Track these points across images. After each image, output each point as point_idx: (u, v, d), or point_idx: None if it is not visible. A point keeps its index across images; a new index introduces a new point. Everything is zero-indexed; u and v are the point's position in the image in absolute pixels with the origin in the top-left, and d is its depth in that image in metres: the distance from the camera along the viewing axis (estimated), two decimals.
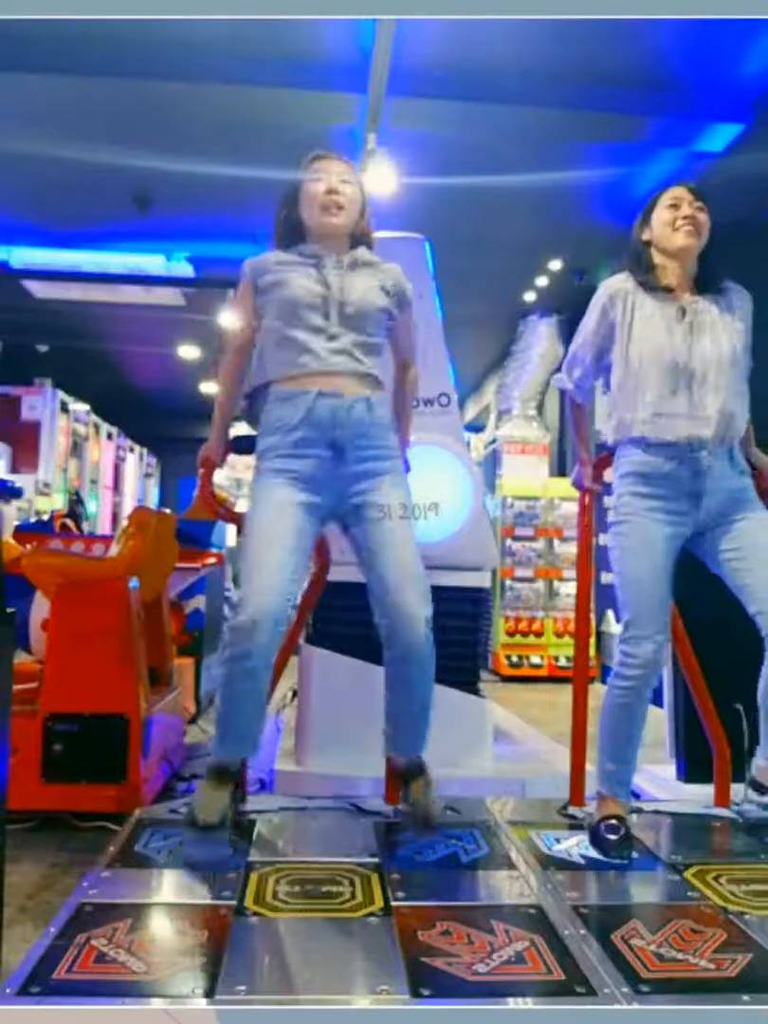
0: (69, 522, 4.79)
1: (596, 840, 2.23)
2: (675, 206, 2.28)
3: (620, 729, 2.29)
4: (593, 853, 2.21)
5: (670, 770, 3.05)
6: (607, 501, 8.25)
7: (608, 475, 2.72)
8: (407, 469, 2.45)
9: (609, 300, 2.33)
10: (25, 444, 10.70)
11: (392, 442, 2.28)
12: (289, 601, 2.10)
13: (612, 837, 2.20)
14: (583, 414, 2.59)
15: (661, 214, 2.30)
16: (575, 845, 2.27)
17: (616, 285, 2.34)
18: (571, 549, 7.31)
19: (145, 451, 16.17)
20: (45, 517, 5.55)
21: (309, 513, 2.16)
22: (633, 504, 2.24)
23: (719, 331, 2.24)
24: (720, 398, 2.19)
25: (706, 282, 2.31)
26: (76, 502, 10.20)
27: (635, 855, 2.19)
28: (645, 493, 2.22)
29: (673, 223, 2.27)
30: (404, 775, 2.30)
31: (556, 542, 7.63)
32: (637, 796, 2.95)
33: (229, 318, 8.82)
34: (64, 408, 11.28)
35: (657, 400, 2.21)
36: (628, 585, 2.25)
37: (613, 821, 2.23)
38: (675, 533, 2.23)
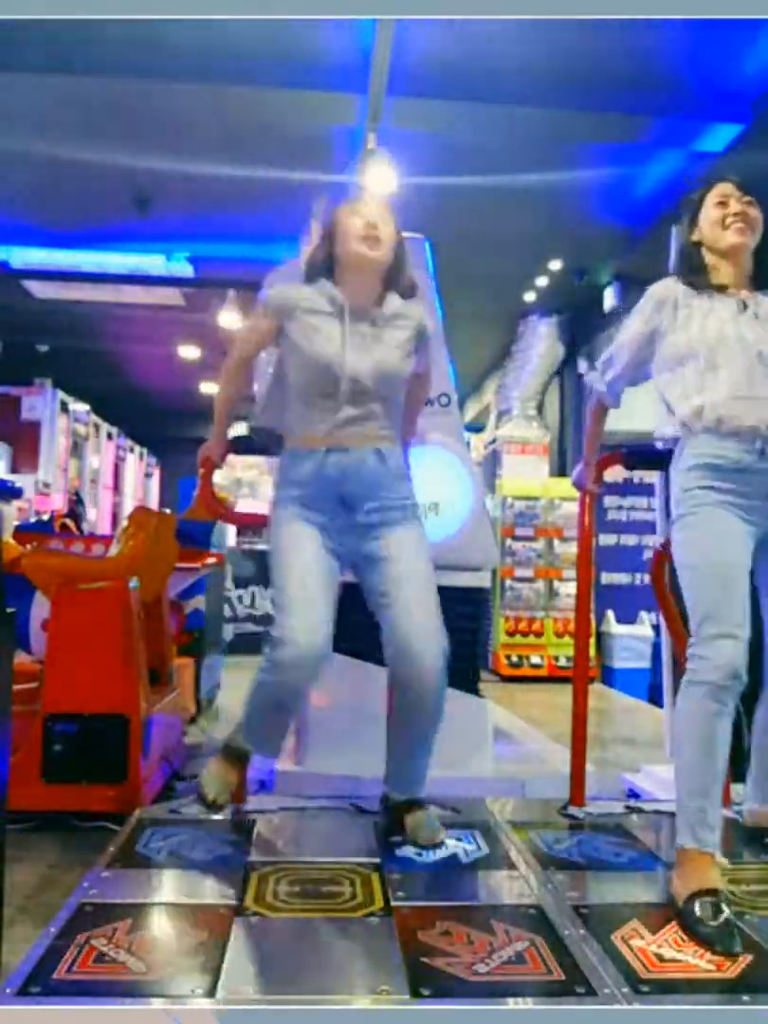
0: (69, 522, 4.78)
1: (689, 924, 1.75)
2: (723, 204, 2.17)
3: (701, 752, 1.92)
4: (594, 853, 2.20)
5: (670, 770, 3.05)
6: (607, 501, 8.20)
7: (608, 475, 2.71)
8: (407, 467, 2.45)
9: (657, 305, 2.19)
10: (25, 444, 10.70)
11: (406, 492, 2.26)
12: (330, 628, 2.09)
13: (712, 925, 1.72)
14: (602, 416, 2.46)
15: (709, 213, 2.19)
16: (575, 844, 2.26)
17: (663, 290, 2.20)
18: (571, 549, 7.31)
19: (145, 451, 16.16)
20: (45, 517, 5.54)
21: (330, 549, 2.17)
22: (704, 496, 2.03)
23: None
24: None
25: (763, 279, 2.20)
26: (76, 502, 10.21)
27: (635, 853, 2.16)
28: (717, 486, 2.02)
29: (723, 221, 2.16)
30: (400, 810, 2.28)
31: (556, 542, 7.63)
32: (637, 796, 2.96)
33: (229, 319, 8.83)
34: (64, 408, 11.28)
35: (732, 384, 2.04)
36: (701, 579, 1.99)
37: (709, 898, 1.77)
38: (750, 531, 2.02)
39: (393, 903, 1.86)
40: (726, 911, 1.74)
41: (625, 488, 7.64)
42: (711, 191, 2.22)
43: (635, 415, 2.57)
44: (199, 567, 4.20)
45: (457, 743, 2.96)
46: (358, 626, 2.60)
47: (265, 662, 2.12)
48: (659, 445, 2.27)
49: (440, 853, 2.17)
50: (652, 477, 2.29)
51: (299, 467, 2.20)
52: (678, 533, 2.08)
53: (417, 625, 2.13)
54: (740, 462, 2.02)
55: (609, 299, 8.45)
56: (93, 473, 12.48)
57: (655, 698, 6.08)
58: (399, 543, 2.19)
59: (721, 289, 2.16)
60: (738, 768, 2.61)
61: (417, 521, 2.27)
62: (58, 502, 10.32)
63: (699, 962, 1.64)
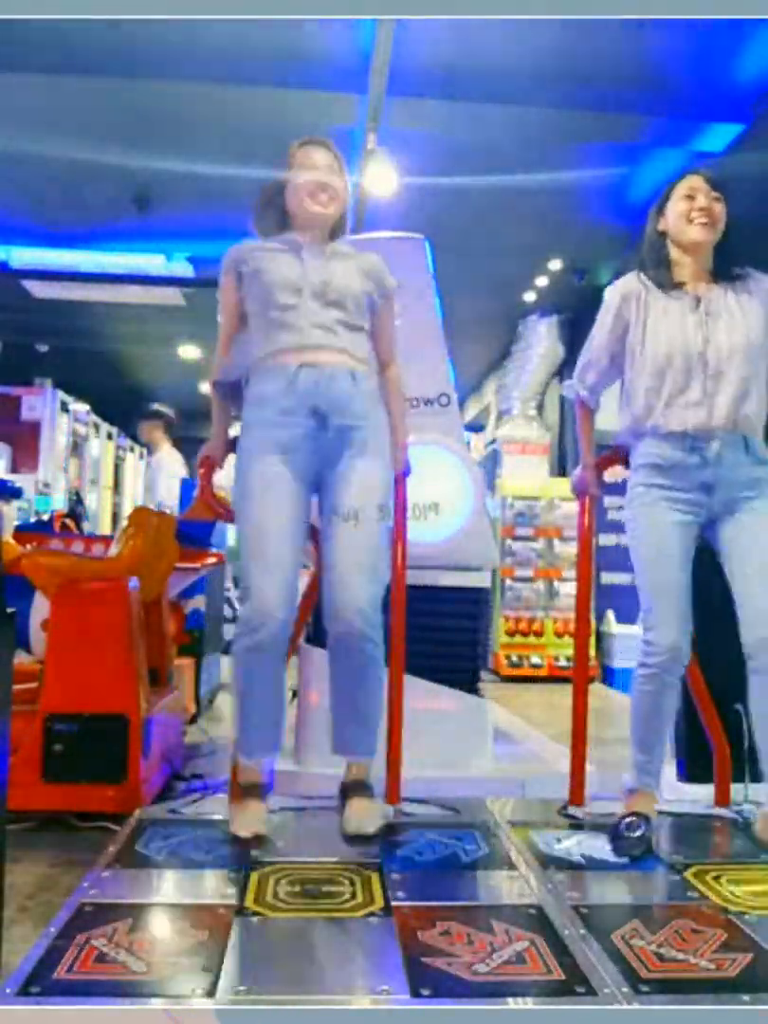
0: (69, 522, 4.78)
1: (613, 836, 2.21)
2: (690, 197, 2.22)
3: (647, 721, 2.32)
4: (594, 852, 2.20)
5: (670, 770, 3.05)
6: (607, 501, 8.22)
7: (609, 475, 2.72)
8: (408, 471, 2.45)
9: (622, 301, 2.29)
10: (25, 444, 10.69)
11: (379, 417, 2.27)
12: (295, 588, 2.14)
13: (628, 835, 2.18)
14: (591, 419, 2.55)
15: (676, 205, 2.24)
16: (575, 844, 2.27)
17: (626, 286, 2.30)
18: (571, 549, 7.31)
19: (145, 451, 16.15)
20: (45, 517, 5.54)
21: (298, 482, 2.17)
22: (644, 495, 2.25)
23: (736, 320, 2.20)
24: (733, 387, 2.17)
25: (722, 272, 2.26)
26: (76, 502, 10.19)
27: (637, 855, 2.18)
28: (656, 483, 2.23)
29: (688, 215, 2.21)
30: (344, 788, 2.31)
31: (556, 542, 7.63)
32: None
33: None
34: (64, 408, 11.26)
35: (669, 391, 2.19)
36: (642, 573, 2.26)
37: (632, 818, 2.22)
38: (686, 521, 2.22)
39: (393, 903, 1.86)
40: (643, 828, 2.18)
41: (625, 488, 7.63)
42: (681, 183, 2.26)
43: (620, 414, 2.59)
44: (199, 567, 4.20)
45: (457, 743, 2.96)
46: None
47: (236, 632, 2.16)
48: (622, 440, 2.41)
49: (440, 853, 2.17)
50: None
51: (269, 383, 2.19)
52: (628, 530, 2.32)
53: (352, 563, 2.14)
54: (672, 460, 2.21)
55: None
56: (93, 473, 12.47)
57: None
58: (359, 474, 2.19)
59: (679, 286, 2.24)
60: (738, 768, 2.62)
61: (384, 449, 2.27)
62: (58, 502, 10.31)
63: (699, 962, 1.64)
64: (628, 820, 2.22)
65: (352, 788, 2.30)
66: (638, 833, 2.19)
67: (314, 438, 2.16)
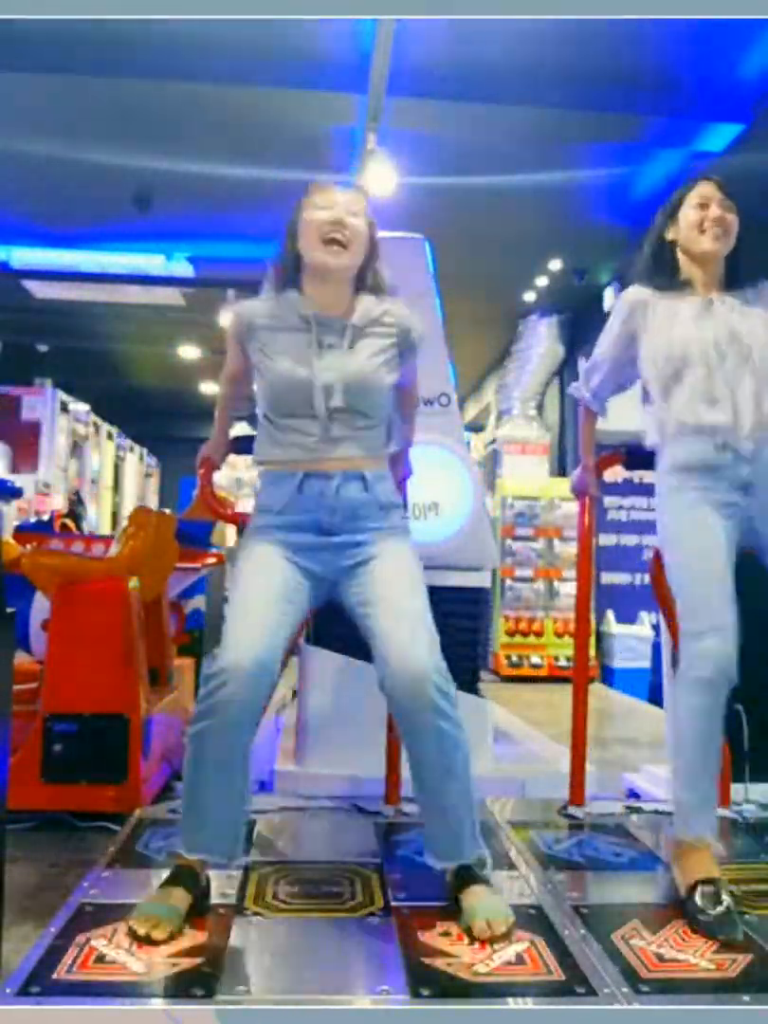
0: (69, 522, 4.78)
1: (691, 914, 1.79)
2: (703, 206, 2.15)
3: (704, 745, 1.95)
4: (594, 853, 2.19)
5: (670, 770, 3.05)
6: (607, 501, 8.19)
7: (609, 476, 2.72)
8: (409, 474, 2.43)
9: (629, 310, 2.22)
10: (25, 444, 10.69)
11: (394, 520, 2.03)
12: (274, 653, 1.81)
13: (712, 913, 1.76)
14: (594, 423, 2.49)
15: (688, 214, 2.17)
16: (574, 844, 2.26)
17: (635, 296, 2.23)
18: (571, 549, 7.31)
19: (145, 451, 16.16)
20: (45, 517, 5.55)
21: (303, 573, 1.94)
22: (680, 496, 2.09)
23: (753, 321, 2.13)
24: (757, 382, 2.08)
25: (732, 281, 2.20)
26: (76, 502, 10.19)
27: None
28: (692, 485, 2.07)
29: (700, 225, 2.14)
30: (452, 884, 1.87)
31: (556, 542, 7.63)
32: (637, 796, 2.96)
33: (229, 317, 8.82)
34: (64, 408, 11.26)
35: (693, 387, 2.09)
36: (688, 577, 2.03)
37: (708, 887, 1.81)
38: (727, 524, 2.05)
39: (393, 903, 1.86)
40: (726, 899, 1.79)
41: (625, 488, 7.63)
42: (693, 190, 2.19)
43: (634, 416, 2.57)
44: (199, 567, 4.20)
45: None
46: (357, 626, 2.60)
47: (198, 693, 1.82)
48: (633, 444, 2.32)
49: None
50: (652, 477, 2.27)
51: (274, 491, 1.99)
52: (662, 532, 2.15)
53: (401, 634, 1.83)
54: (707, 460, 2.08)
55: (609, 299, 8.45)
56: (94, 473, 12.47)
57: (655, 698, 6.08)
58: (384, 551, 1.95)
59: (689, 292, 2.17)
60: (738, 768, 2.62)
61: (404, 544, 2.02)
62: (58, 502, 10.31)
63: (699, 962, 1.64)
64: (703, 890, 1.81)
65: (464, 875, 1.86)
66: (722, 906, 1.77)
67: (322, 546, 1.96)
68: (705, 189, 2.18)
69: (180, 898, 1.76)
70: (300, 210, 2.01)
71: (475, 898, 1.79)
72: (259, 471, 2.08)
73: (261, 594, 1.88)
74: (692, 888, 1.84)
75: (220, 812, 1.81)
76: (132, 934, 1.66)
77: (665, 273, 2.21)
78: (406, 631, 1.84)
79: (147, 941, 1.64)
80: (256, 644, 1.79)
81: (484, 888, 1.82)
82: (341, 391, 1.94)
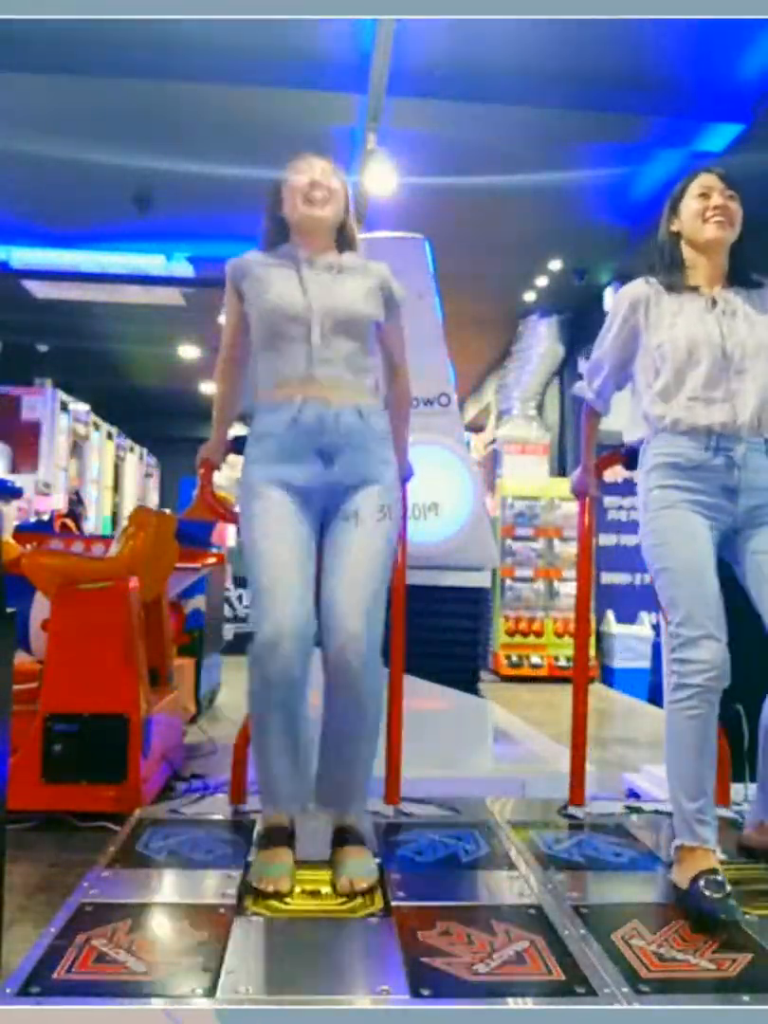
0: (69, 522, 4.78)
1: (693, 901, 1.83)
2: (705, 195, 2.13)
3: (698, 753, 1.95)
4: (594, 853, 2.19)
5: None
6: (607, 501, 8.19)
7: (609, 476, 2.72)
8: (410, 475, 2.43)
9: (630, 306, 2.20)
10: (25, 444, 10.69)
11: (387, 454, 2.17)
12: (310, 612, 1.96)
13: (715, 896, 1.79)
14: (596, 423, 2.47)
15: (690, 204, 2.15)
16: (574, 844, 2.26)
17: (636, 291, 2.21)
18: (571, 549, 7.31)
19: (145, 451, 16.16)
20: (45, 517, 5.55)
21: (303, 519, 2.06)
22: (666, 496, 2.07)
23: (754, 320, 2.11)
24: (758, 385, 2.07)
25: (738, 276, 2.18)
26: (76, 502, 10.20)
27: (635, 853, 2.17)
28: (679, 485, 2.06)
29: (703, 214, 2.12)
30: (333, 840, 2.06)
31: (556, 542, 7.63)
32: (637, 796, 2.96)
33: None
34: (64, 408, 11.27)
35: (692, 386, 2.07)
36: (673, 582, 2.02)
37: (710, 875, 1.83)
38: (712, 526, 2.05)
39: (393, 903, 1.86)
40: (728, 887, 1.81)
41: (625, 488, 7.63)
42: (694, 181, 2.18)
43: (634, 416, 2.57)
44: (199, 567, 4.20)
45: (457, 743, 2.96)
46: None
47: (249, 665, 1.97)
48: (634, 444, 2.28)
49: (440, 853, 2.18)
50: None
51: (272, 417, 2.09)
52: (647, 535, 2.11)
53: (347, 582, 1.99)
54: (695, 460, 2.06)
55: (609, 299, 8.45)
56: (94, 473, 12.47)
57: (655, 698, 6.08)
58: (363, 500, 2.07)
59: (693, 289, 2.16)
60: (738, 768, 2.62)
61: (395, 485, 2.17)
62: (58, 502, 10.31)
63: (699, 962, 1.64)
64: (707, 879, 1.83)
65: (341, 835, 2.07)
66: (725, 890, 1.81)
67: (321, 478, 2.07)
68: (706, 179, 2.17)
69: (286, 854, 1.99)
70: (282, 180, 2.23)
71: (346, 855, 1.99)
72: (255, 406, 2.17)
73: (285, 557, 1.99)
74: (694, 879, 1.85)
75: (290, 769, 2.02)
76: (258, 893, 1.87)
77: (668, 269, 2.20)
78: (350, 601, 1.98)
79: (276, 896, 1.87)
80: (293, 612, 1.93)
81: (357, 848, 2.02)
82: (333, 312, 2.09)
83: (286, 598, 1.94)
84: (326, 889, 1.93)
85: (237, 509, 2.22)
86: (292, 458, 2.06)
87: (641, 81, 5.33)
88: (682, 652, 1.97)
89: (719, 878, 1.83)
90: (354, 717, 2.03)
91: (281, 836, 2.04)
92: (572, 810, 2.54)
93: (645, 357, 2.19)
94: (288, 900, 1.88)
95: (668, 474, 2.08)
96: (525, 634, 7.43)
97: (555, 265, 8.27)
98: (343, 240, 2.24)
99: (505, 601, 7.49)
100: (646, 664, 7.04)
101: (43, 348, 11.81)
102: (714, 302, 2.13)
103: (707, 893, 1.80)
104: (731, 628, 2.04)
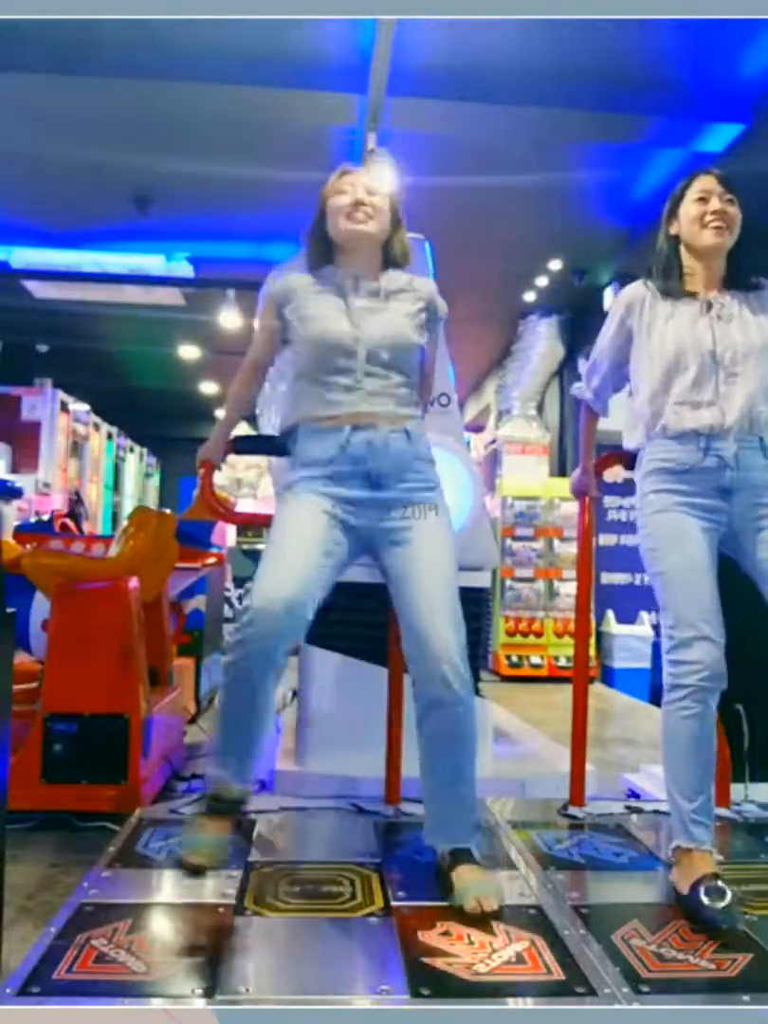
0: (69, 522, 4.77)
1: (694, 909, 1.82)
2: (703, 200, 2.14)
3: (695, 754, 1.97)
4: (594, 853, 2.19)
5: None
6: (607, 501, 8.20)
7: (609, 476, 2.72)
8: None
9: (626, 309, 2.22)
10: (25, 444, 10.69)
11: (434, 476, 2.18)
12: (306, 598, 1.93)
13: (717, 906, 1.79)
14: (595, 423, 2.49)
15: (689, 208, 2.16)
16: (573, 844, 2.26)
17: (632, 294, 2.23)
18: (571, 549, 7.31)
19: (145, 451, 16.16)
20: (45, 517, 5.54)
21: (343, 529, 2.04)
22: (661, 500, 2.09)
23: (748, 322, 2.12)
24: (749, 386, 2.07)
25: (736, 279, 2.19)
26: (76, 502, 10.19)
27: (635, 853, 2.17)
28: (670, 488, 2.09)
29: (702, 219, 2.13)
30: (444, 863, 1.98)
31: (556, 542, 7.63)
32: (637, 796, 2.96)
33: (229, 319, 8.82)
34: (64, 408, 11.27)
35: (682, 390, 2.09)
36: (667, 585, 2.05)
37: (711, 882, 1.83)
38: (709, 529, 2.07)
39: (393, 903, 1.86)
40: (729, 894, 1.81)
41: (625, 488, 7.62)
42: (693, 183, 2.18)
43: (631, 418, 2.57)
44: (199, 567, 4.20)
45: None
46: (357, 626, 2.60)
47: (232, 633, 1.98)
48: (631, 448, 2.29)
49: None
50: None
51: (319, 444, 2.07)
52: (644, 539, 2.14)
53: (438, 611, 1.98)
54: (686, 463, 2.08)
55: (609, 299, 8.44)
56: (93, 473, 12.47)
57: (655, 698, 6.08)
58: (423, 532, 2.07)
59: (690, 294, 2.16)
60: (738, 768, 2.62)
61: (443, 508, 2.16)
62: (58, 502, 10.31)
63: (699, 962, 1.65)
64: (707, 885, 1.83)
65: (456, 856, 1.96)
66: (727, 900, 1.80)
67: (369, 500, 2.07)
68: (705, 182, 2.16)
69: (221, 826, 2.02)
70: (326, 196, 2.20)
71: (467, 877, 1.89)
72: (298, 429, 2.14)
73: (298, 541, 1.99)
74: (694, 885, 1.85)
75: (246, 748, 2.02)
76: (187, 867, 1.94)
77: (665, 274, 2.20)
78: (434, 618, 1.97)
79: (197, 873, 1.91)
80: (288, 586, 1.92)
81: (477, 867, 1.94)
82: (381, 342, 2.08)
83: (287, 576, 1.94)
84: (326, 888, 1.93)
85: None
86: (340, 483, 2.06)
87: (641, 81, 5.32)
88: (676, 653, 2.00)
89: (720, 885, 1.83)
90: (455, 747, 1.99)
91: (223, 805, 2.04)
92: (572, 810, 2.55)
93: (638, 360, 2.21)
94: (287, 901, 1.88)
95: (662, 478, 2.11)
96: (525, 634, 7.43)
97: (555, 265, 8.26)
98: (389, 255, 2.23)
99: (505, 601, 7.49)
100: (646, 664, 7.04)
101: (43, 348, 11.79)
102: (709, 306, 2.14)
103: (708, 901, 1.80)
104: (731, 629, 2.05)
